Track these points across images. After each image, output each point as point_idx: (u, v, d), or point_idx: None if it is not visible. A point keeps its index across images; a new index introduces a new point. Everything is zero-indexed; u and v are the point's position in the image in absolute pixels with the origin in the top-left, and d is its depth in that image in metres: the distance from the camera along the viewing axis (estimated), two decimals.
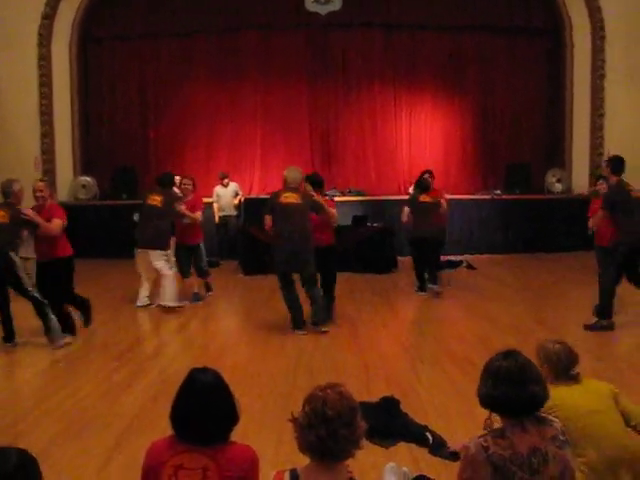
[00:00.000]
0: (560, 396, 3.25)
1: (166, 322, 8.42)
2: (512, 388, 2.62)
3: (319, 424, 2.40)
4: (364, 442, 2.51)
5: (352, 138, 15.54)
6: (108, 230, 13.95)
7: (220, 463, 2.57)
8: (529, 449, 2.56)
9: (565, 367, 3.49)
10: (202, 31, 15.15)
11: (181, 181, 9.88)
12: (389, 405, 4.92)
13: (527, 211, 14.04)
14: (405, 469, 3.50)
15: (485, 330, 7.72)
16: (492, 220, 14.04)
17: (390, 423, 4.50)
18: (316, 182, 8.03)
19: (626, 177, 7.92)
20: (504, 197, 14.28)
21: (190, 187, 9.63)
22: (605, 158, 9.00)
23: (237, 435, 2.78)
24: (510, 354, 2.75)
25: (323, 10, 14.25)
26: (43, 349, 7.00)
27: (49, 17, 14.41)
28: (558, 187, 14.52)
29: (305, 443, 2.45)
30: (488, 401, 2.70)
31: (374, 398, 5.10)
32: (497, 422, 2.73)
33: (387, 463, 3.65)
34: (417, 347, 7.18)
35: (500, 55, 15.36)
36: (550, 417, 2.72)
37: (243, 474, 2.59)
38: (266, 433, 4.45)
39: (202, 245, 9.65)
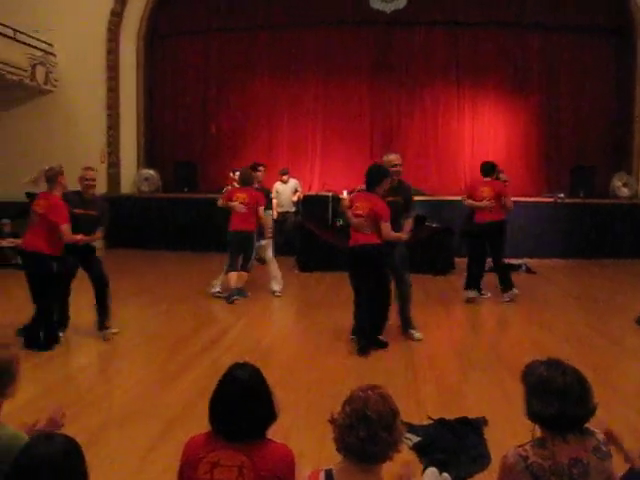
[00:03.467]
0: None
1: (220, 315, 8.50)
2: (578, 407, 2.53)
3: (359, 425, 2.38)
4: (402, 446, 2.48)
5: (414, 137, 15.41)
6: (169, 222, 14.20)
7: (256, 461, 2.56)
8: (570, 460, 2.48)
9: None
10: (265, 27, 15.27)
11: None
12: (466, 427, 4.63)
13: (591, 216, 13.67)
14: (445, 475, 3.44)
15: (540, 336, 7.56)
16: (555, 224, 13.71)
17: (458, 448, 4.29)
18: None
19: None
20: (568, 201, 13.94)
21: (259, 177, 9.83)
22: None
23: (280, 433, 2.79)
24: (563, 367, 2.62)
25: (388, 8, 14.21)
26: (96, 338, 7.12)
27: (118, 14, 14.74)
28: (624, 192, 14.11)
29: (344, 444, 2.43)
30: (552, 420, 2.56)
31: (445, 412, 5.00)
32: (538, 432, 2.65)
33: (428, 468, 3.60)
34: (469, 351, 7.06)
35: (566, 55, 15.01)
36: (592, 428, 2.63)
37: (279, 473, 2.57)
38: (309, 433, 4.44)
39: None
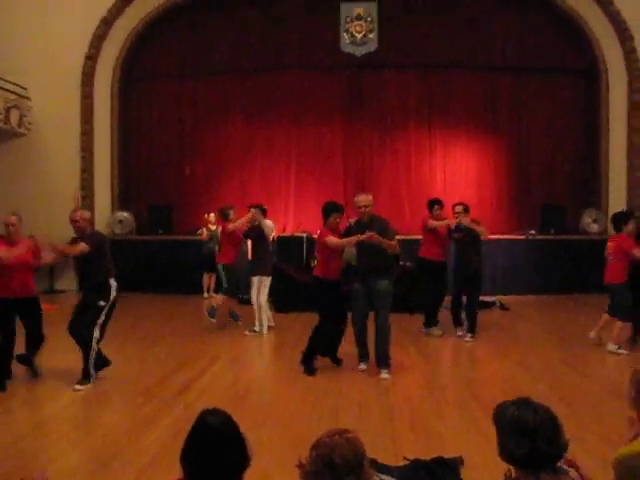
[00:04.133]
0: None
1: (194, 358, 8.45)
2: (550, 445, 2.53)
3: (325, 471, 2.37)
4: None
5: (386, 177, 15.60)
6: (144, 265, 14.16)
7: None
8: None
9: None
10: (238, 71, 15.47)
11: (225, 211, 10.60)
12: (442, 467, 4.62)
13: (562, 252, 13.88)
14: None
15: (514, 373, 7.62)
16: (526, 260, 13.91)
17: None
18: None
19: None
20: (539, 237, 14.15)
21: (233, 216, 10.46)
22: None
23: (258, 474, 2.77)
24: (533, 405, 2.63)
25: (358, 51, 14.47)
26: (68, 384, 7.05)
27: (92, 58, 14.86)
28: (594, 227, 14.36)
29: None
30: (523, 460, 2.56)
31: (413, 450, 5.03)
32: (513, 472, 2.68)
33: None
34: (444, 389, 7.09)
35: (535, 95, 15.37)
36: (565, 467, 2.66)
37: None
38: (289, 474, 4.42)
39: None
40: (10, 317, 7.09)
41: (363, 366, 7.65)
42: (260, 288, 9.98)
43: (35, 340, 7.25)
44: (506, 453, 2.60)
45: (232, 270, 10.22)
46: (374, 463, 3.08)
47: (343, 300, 7.71)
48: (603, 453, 4.84)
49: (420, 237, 10.49)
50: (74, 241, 7.27)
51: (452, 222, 9.61)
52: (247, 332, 9.95)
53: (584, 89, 15.33)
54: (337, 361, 7.92)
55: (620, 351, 8.41)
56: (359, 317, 7.64)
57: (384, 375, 7.36)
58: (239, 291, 11.15)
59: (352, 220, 7.84)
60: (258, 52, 15.23)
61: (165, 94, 15.86)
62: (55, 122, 14.77)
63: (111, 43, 15.05)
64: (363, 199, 7.53)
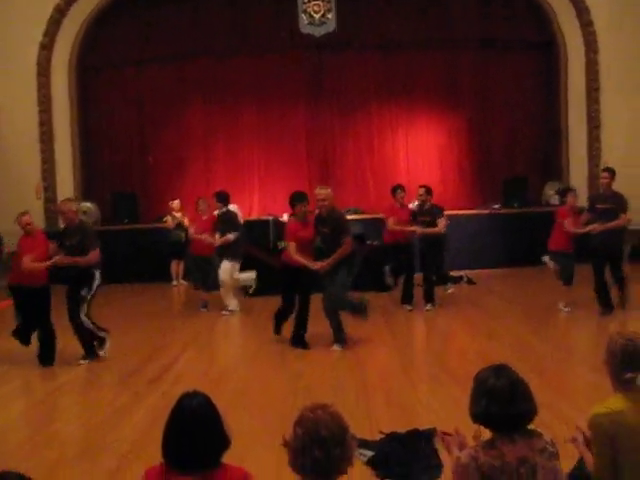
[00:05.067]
0: (619, 408, 3.00)
1: (167, 346, 8.46)
2: (505, 406, 2.68)
3: (313, 445, 2.41)
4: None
5: (350, 158, 15.64)
6: (112, 255, 14.00)
7: None
8: (518, 459, 2.62)
9: (620, 368, 3.10)
10: (197, 55, 15.30)
11: (197, 202, 11.09)
12: (417, 438, 4.75)
13: (526, 224, 14.03)
14: None
15: (485, 346, 7.75)
16: (491, 234, 14.05)
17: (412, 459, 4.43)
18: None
19: (622, 186, 8.33)
20: (502, 211, 14.33)
21: (204, 208, 10.88)
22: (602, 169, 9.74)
23: (237, 457, 2.81)
24: (501, 370, 2.80)
25: (317, 32, 14.41)
26: (42, 375, 7.03)
27: (47, 47, 14.60)
28: (556, 199, 14.56)
29: (299, 465, 2.46)
30: (482, 418, 2.75)
31: (385, 422, 5.11)
32: (485, 433, 2.78)
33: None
34: (417, 365, 7.22)
35: (494, 70, 15.46)
36: (539, 430, 2.78)
37: None
38: (267, 455, 4.47)
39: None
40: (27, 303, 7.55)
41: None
42: (231, 271, 10.19)
43: (44, 336, 7.57)
44: (470, 412, 2.79)
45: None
46: (354, 440, 3.14)
47: (308, 285, 7.96)
48: (574, 418, 4.97)
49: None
50: (63, 233, 7.76)
51: (414, 228, 10.00)
52: (223, 312, 10.20)
53: (543, 63, 15.46)
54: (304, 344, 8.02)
55: (565, 309, 9.24)
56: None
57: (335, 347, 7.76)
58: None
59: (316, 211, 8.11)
60: (217, 36, 15.08)
61: (125, 81, 15.64)
62: (13, 113, 14.50)
63: (66, 31, 14.74)
64: (321, 193, 7.81)
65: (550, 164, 15.37)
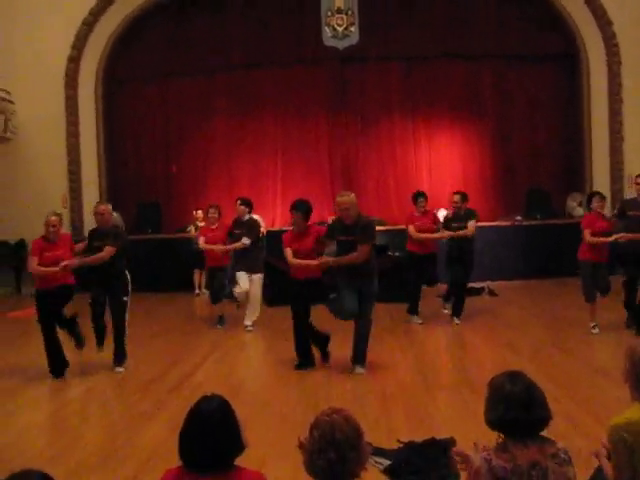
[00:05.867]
0: (638, 418, 3.00)
1: (189, 354, 8.54)
2: (522, 412, 2.73)
3: (328, 448, 2.47)
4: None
5: (372, 169, 15.72)
6: (136, 264, 14.14)
7: None
8: (529, 463, 2.67)
9: None
10: (222, 68, 15.52)
11: (206, 210, 10.70)
12: (434, 448, 4.76)
13: (548, 236, 14.01)
14: None
15: (505, 357, 7.75)
16: (514, 246, 14.03)
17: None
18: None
19: None
20: (525, 223, 14.30)
21: (216, 215, 10.29)
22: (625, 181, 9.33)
23: (255, 464, 2.86)
24: (517, 377, 2.85)
25: (341, 45, 14.49)
26: (65, 383, 7.14)
27: (75, 60, 14.89)
28: (579, 211, 14.50)
29: (314, 467, 2.52)
30: (498, 424, 2.80)
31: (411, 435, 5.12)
32: (490, 443, 2.83)
33: None
34: (436, 375, 7.22)
35: (516, 81, 15.51)
36: (551, 437, 2.82)
37: None
38: (284, 462, 4.52)
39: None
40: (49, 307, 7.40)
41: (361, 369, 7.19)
42: (253, 283, 9.84)
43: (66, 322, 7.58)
44: (485, 418, 2.84)
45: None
46: (369, 446, 3.20)
47: (310, 298, 7.41)
48: (594, 431, 4.97)
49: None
50: (92, 234, 7.88)
51: (440, 234, 9.85)
52: (247, 328, 9.88)
53: (565, 75, 15.48)
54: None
55: (593, 330, 8.64)
56: (346, 316, 7.17)
57: (359, 370, 7.17)
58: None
59: (333, 218, 7.57)
60: (241, 49, 15.28)
61: (150, 94, 15.89)
62: (40, 125, 14.79)
63: (93, 44, 15.06)
64: (344, 201, 7.04)
65: (573, 176, 15.33)
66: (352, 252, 6.93)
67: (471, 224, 9.72)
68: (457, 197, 9.89)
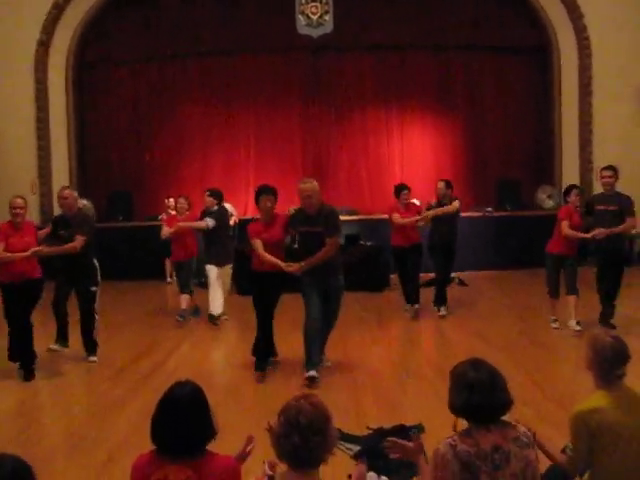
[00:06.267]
0: (601, 405, 3.18)
1: (160, 343, 8.54)
2: (487, 397, 2.82)
3: (293, 433, 2.54)
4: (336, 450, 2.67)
5: (344, 158, 15.75)
6: (107, 252, 14.05)
7: (202, 474, 2.68)
8: (492, 447, 2.77)
9: (610, 365, 3.26)
10: (194, 54, 15.40)
11: (176, 200, 10.45)
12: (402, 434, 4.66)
13: (518, 227, 14.17)
14: (384, 478, 3.65)
15: (474, 346, 7.84)
16: (484, 237, 14.16)
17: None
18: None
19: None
20: (495, 214, 14.45)
21: (185, 206, 10.05)
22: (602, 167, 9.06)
23: (226, 451, 2.89)
24: (479, 364, 2.94)
25: (315, 33, 14.51)
26: (39, 370, 7.09)
27: (45, 43, 14.67)
28: (549, 203, 14.69)
29: (281, 451, 2.60)
30: (462, 410, 2.88)
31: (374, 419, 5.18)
32: (462, 424, 2.92)
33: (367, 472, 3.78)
34: (405, 363, 7.32)
35: (488, 73, 15.61)
36: (512, 422, 2.92)
37: None
38: (255, 449, 4.56)
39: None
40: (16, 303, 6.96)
41: (313, 373, 6.46)
42: (222, 276, 9.60)
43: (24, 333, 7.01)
44: (449, 404, 2.93)
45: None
46: (339, 432, 3.26)
47: (274, 292, 6.95)
48: (557, 417, 5.08)
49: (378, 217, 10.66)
50: (56, 221, 7.58)
51: (422, 216, 9.57)
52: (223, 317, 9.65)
53: (537, 67, 15.59)
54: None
55: (553, 325, 8.57)
56: (315, 314, 6.66)
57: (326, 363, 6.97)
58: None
59: (293, 208, 7.04)
60: (214, 35, 15.17)
61: (121, 79, 15.72)
62: (9, 110, 14.58)
63: (64, 29, 14.83)
64: (306, 188, 6.55)
65: (543, 167, 15.50)
66: (315, 244, 6.56)
67: (455, 202, 9.63)
68: (441, 184, 9.79)
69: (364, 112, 15.76)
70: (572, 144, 14.85)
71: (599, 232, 8.03)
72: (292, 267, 6.55)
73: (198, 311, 10.11)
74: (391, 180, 15.43)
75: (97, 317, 7.70)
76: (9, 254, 6.79)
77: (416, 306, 9.67)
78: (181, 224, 9.63)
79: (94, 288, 7.54)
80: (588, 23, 14.44)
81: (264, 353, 7.05)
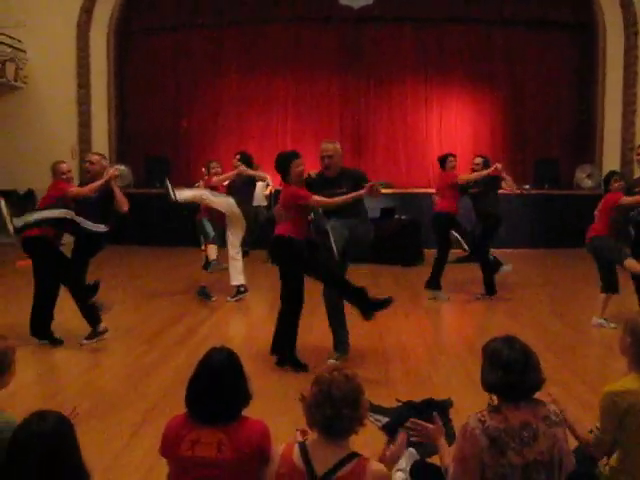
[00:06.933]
0: (634, 387, 3.15)
1: (193, 309, 8.66)
2: (519, 377, 2.83)
3: (325, 404, 2.61)
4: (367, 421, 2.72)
5: (382, 131, 15.69)
6: (142, 217, 14.23)
7: (233, 438, 2.76)
8: (521, 423, 2.78)
9: None
10: (235, 23, 15.42)
11: (207, 165, 10.10)
12: (432, 408, 4.58)
13: (556, 206, 14.03)
14: (412, 449, 3.69)
15: (504, 323, 7.86)
16: (521, 215, 14.03)
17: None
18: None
19: None
20: (533, 192, 14.30)
21: (219, 170, 9.76)
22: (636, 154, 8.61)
23: (256, 415, 2.96)
24: (513, 342, 2.94)
25: (356, 4, 14.38)
26: (71, 332, 7.22)
27: (88, 10, 14.79)
28: (588, 183, 14.50)
29: (312, 420, 2.69)
30: (497, 389, 2.89)
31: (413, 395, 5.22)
32: (494, 401, 2.94)
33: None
34: (437, 338, 7.35)
35: (531, 49, 15.38)
36: (544, 400, 2.93)
37: (255, 447, 2.78)
38: (284, 416, 4.64)
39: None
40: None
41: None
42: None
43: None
44: (483, 381, 2.93)
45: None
46: (369, 404, 3.32)
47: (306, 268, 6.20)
48: (586, 398, 5.08)
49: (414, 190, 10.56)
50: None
51: (492, 170, 8.94)
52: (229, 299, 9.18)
53: (580, 43, 15.34)
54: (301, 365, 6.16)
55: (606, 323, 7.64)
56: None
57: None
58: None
59: (313, 172, 6.56)
60: (254, 4, 15.14)
61: (161, 47, 15.80)
62: (51, 75, 14.76)
63: None
64: (328, 148, 6.30)
65: (583, 147, 15.28)
66: (345, 206, 6.13)
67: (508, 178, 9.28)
68: (479, 159, 9.43)
69: (403, 85, 15.66)
70: (614, 124, 14.59)
71: None
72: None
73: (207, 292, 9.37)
74: (428, 155, 15.37)
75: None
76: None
77: None
78: (215, 179, 9.40)
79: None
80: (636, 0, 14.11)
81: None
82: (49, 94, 14.81)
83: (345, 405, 2.61)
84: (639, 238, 7.99)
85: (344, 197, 6.04)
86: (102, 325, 6.84)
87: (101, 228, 6.98)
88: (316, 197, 5.98)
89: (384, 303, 6.03)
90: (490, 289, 9.20)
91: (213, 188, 9.52)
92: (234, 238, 9.21)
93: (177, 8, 15.34)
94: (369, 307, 5.99)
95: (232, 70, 15.74)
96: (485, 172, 9.08)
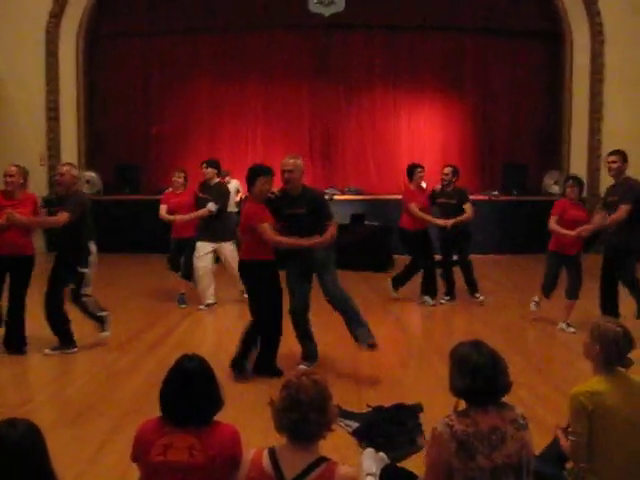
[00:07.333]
0: (600, 389, 3.27)
1: (165, 315, 8.63)
2: (487, 382, 2.87)
3: (292, 408, 2.65)
4: (336, 426, 2.76)
5: (352, 137, 15.76)
6: (113, 225, 14.14)
7: (205, 443, 2.79)
8: (489, 427, 2.82)
9: (618, 351, 3.32)
10: (205, 30, 15.37)
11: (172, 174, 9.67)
12: (402, 413, 4.81)
13: (524, 212, 14.18)
14: (382, 454, 3.73)
15: (474, 328, 7.96)
16: (489, 221, 14.16)
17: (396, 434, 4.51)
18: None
19: None
20: (502, 198, 14.46)
21: (180, 180, 9.33)
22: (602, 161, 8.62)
23: (229, 420, 2.99)
24: (481, 347, 2.98)
25: (326, 11, 14.45)
26: (41, 340, 7.16)
27: (57, 15, 14.65)
28: (555, 189, 14.68)
29: (280, 425, 2.72)
30: (465, 393, 2.93)
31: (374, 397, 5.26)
32: (462, 405, 2.98)
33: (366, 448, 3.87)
34: (407, 344, 7.41)
35: (499, 57, 15.56)
36: (510, 403, 2.98)
37: (226, 451, 2.82)
38: (256, 421, 4.66)
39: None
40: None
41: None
42: (225, 252, 9.00)
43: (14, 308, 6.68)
44: (451, 387, 2.97)
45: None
46: (339, 409, 3.35)
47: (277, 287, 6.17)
48: (555, 401, 5.17)
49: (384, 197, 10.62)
50: (49, 201, 7.18)
51: (444, 222, 9.08)
52: (200, 307, 9.02)
53: (548, 51, 15.53)
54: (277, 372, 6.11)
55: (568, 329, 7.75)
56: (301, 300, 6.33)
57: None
58: None
59: (276, 190, 6.35)
60: (225, 11, 15.11)
61: (132, 52, 15.71)
62: (20, 81, 14.59)
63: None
64: (287, 162, 6.14)
65: (551, 153, 15.48)
66: (302, 226, 6.07)
67: (468, 207, 9.22)
68: (448, 169, 9.32)
69: (373, 92, 15.75)
70: (581, 131, 14.79)
71: (583, 229, 7.47)
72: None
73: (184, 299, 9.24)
74: (398, 161, 15.46)
75: (87, 299, 7.08)
76: None
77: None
78: (178, 217, 8.99)
79: (83, 269, 6.90)
80: (602, 7, 14.33)
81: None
82: (17, 100, 14.65)
83: (312, 409, 2.64)
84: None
85: (294, 242, 6.00)
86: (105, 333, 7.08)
87: None
88: (267, 229, 5.86)
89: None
90: (472, 287, 9.42)
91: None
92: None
93: (148, 13, 15.26)
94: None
95: (203, 76, 15.69)
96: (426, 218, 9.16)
